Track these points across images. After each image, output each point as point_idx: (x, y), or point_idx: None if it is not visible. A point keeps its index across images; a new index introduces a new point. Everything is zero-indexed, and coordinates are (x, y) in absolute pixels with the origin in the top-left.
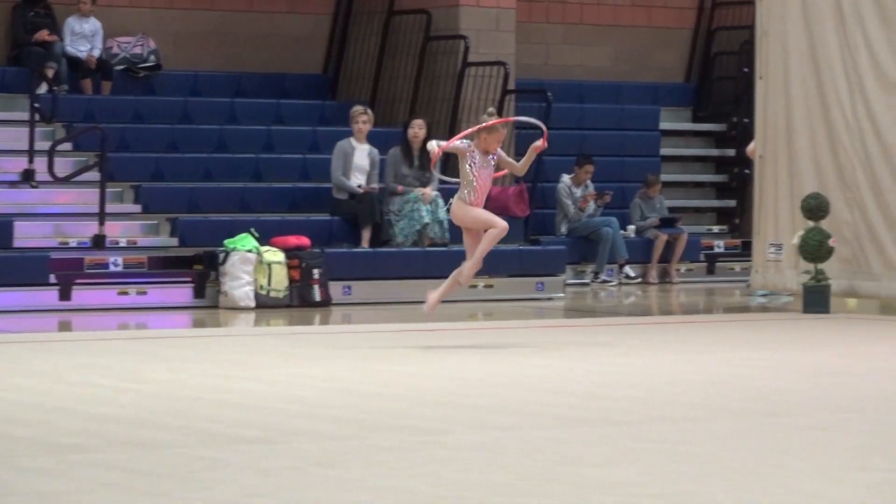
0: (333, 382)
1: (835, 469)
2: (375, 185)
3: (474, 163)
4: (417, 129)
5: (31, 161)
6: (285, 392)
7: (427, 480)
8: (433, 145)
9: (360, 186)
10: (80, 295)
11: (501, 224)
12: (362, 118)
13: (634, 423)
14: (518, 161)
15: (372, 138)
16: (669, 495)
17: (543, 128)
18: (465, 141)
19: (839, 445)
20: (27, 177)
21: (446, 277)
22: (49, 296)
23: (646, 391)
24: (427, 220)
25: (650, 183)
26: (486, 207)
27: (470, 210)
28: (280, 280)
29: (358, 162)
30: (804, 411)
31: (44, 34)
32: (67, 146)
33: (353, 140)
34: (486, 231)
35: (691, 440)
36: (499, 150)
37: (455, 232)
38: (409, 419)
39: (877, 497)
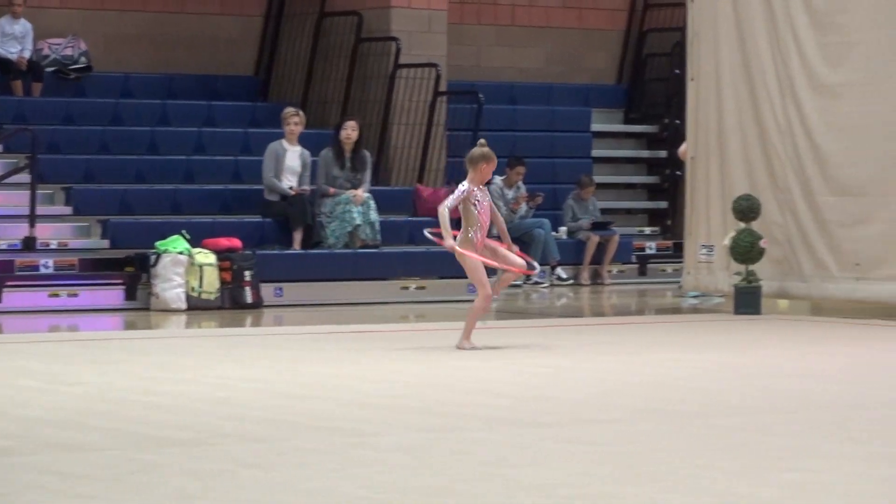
0: (264, 384)
1: (762, 470)
2: (307, 187)
3: (477, 202)
4: (350, 130)
5: None
6: (216, 394)
7: (356, 482)
8: (450, 243)
9: (291, 188)
10: (11, 297)
11: (483, 294)
12: (294, 120)
13: (564, 425)
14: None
15: (304, 140)
16: (598, 496)
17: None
18: (461, 188)
19: (767, 446)
20: None
21: (377, 279)
22: None
23: (576, 392)
24: (358, 221)
25: (584, 184)
26: (419, 211)
27: (467, 261)
28: (211, 282)
29: (289, 164)
30: (733, 412)
31: None
32: None
33: (284, 142)
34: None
35: (621, 441)
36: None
37: (385, 233)
38: (340, 421)
39: (803, 498)
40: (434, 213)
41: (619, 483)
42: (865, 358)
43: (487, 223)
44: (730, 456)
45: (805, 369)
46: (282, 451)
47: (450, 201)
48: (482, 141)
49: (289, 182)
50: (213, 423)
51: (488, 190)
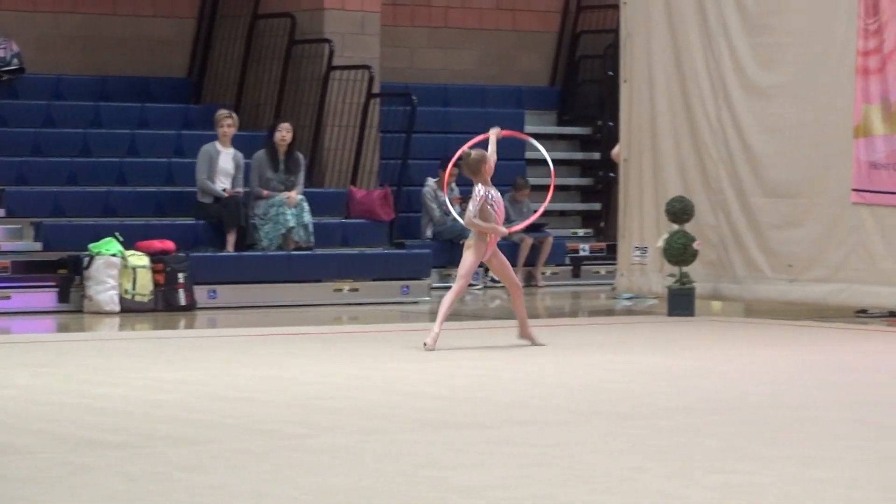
0: (198, 386)
1: (695, 471)
2: (240, 189)
3: (494, 202)
4: (285, 132)
5: None
6: (150, 396)
7: (288, 484)
8: (504, 230)
9: (224, 190)
10: None
11: (456, 287)
12: (227, 122)
13: (497, 426)
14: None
15: (237, 142)
16: (531, 498)
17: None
18: (479, 193)
19: (700, 448)
20: None
21: (311, 281)
22: None
23: (509, 394)
24: (292, 223)
25: (519, 186)
26: (353, 213)
27: (472, 255)
28: (145, 284)
29: (223, 166)
30: (665, 414)
31: None
32: None
33: (217, 144)
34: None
35: (554, 443)
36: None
37: (319, 235)
38: (272, 423)
39: (736, 499)
40: (366, 215)
41: (552, 485)
42: (797, 359)
43: (503, 220)
44: (663, 457)
45: (738, 371)
46: (215, 453)
47: (474, 210)
48: (466, 150)
49: (222, 184)
50: (147, 426)
51: (423, 192)
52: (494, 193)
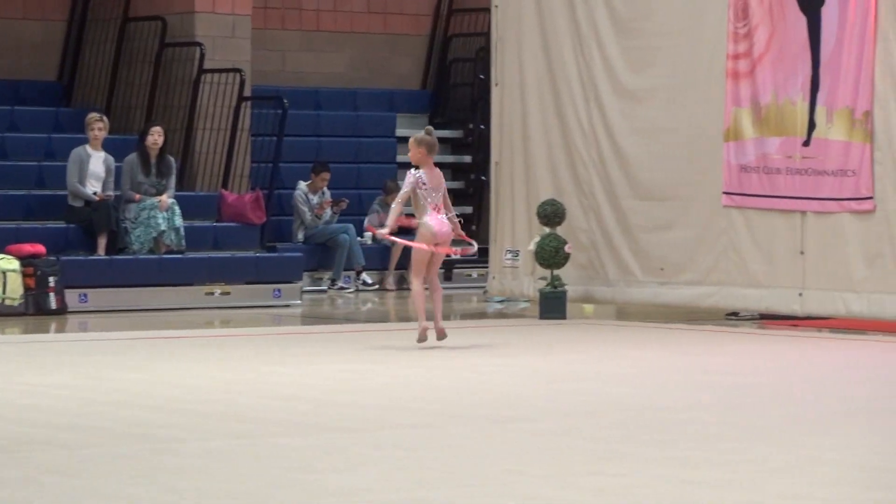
0: (69, 391)
1: (568, 473)
2: (111, 193)
3: (424, 184)
4: (157, 136)
5: None
6: (20, 401)
7: (160, 489)
8: (383, 233)
9: (95, 194)
10: None
11: (414, 288)
12: (98, 125)
13: (371, 430)
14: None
15: (108, 145)
16: (405, 501)
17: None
18: (412, 173)
19: (572, 450)
20: None
21: (183, 285)
22: None
23: (382, 397)
24: (163, 227)
25: (390, 190)
26: (224, 216)
27: (418, 251)
28: (15, 288)
29: (93, 169)
30: (539, 416)
31: None
32: None
33: (88, 147)
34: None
35: (427, 446)
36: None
37: (190, 238)
38: (145, 427)
39: (608, 501)
40: (238, 219)
41: (427, 487)
42: (669, 361)
43: (439, 208)
44: (536, 459)
45: (609, 373)
46: (86, 457)
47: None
48: (429, 128)
49: (93, 187)
50: (18, 431)
51: (297, 196)
52: (428, 179)
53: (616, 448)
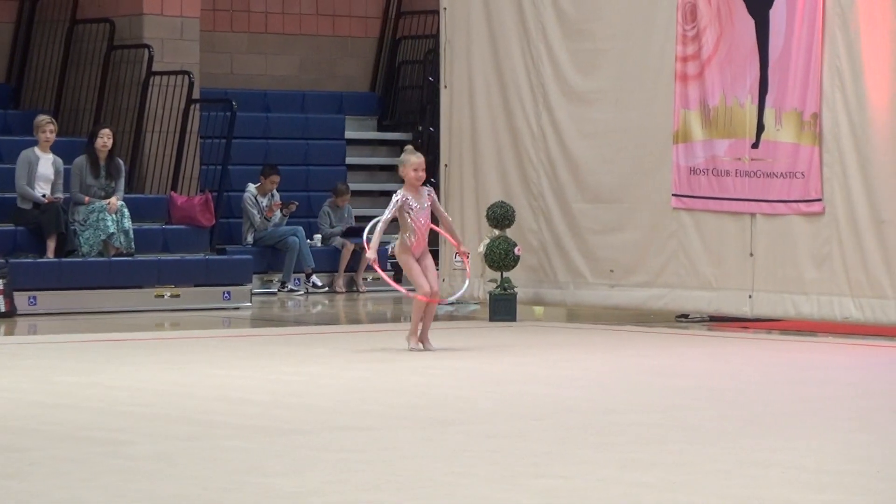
0: (17, 394)
1: (518, 476)
2: (60, 195)
3: (410, 209)
4: (105, 138)
5: None
6: None
7: (109, 491)
8: (371, 256)
9: (44, 196)
10: None
11: (422, 291)
12: (49, 128)
13: (317, 432)
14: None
15: (56, 148)
16: (352, 503)
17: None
18: (396, 196)
19: (522, 452)
20: None
21: (132, 287)
22: None
23: (329, 400)
24: (112, 229)
25: (340, 192)
26: (174, 219)
27: (408, 260)
28: None
29: (42, 172)
30: (485, 419)
31: None
32: None
33: (37, 149)
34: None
35: (375, 448)
36: (432, 194)
37: (140, 241)
38: (93, 430)
39: (556, 503)
40: (187, 221)
41: (375, 490)
42: (618, 364)
43: (424, 231)
44: (486, 462)
45: (559, 375)
46: (34, 460)
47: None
48: (409, 147)
49: (42, 190)
50: None
51: (247, 198)
52: (416, 203)
53: (563, 450)
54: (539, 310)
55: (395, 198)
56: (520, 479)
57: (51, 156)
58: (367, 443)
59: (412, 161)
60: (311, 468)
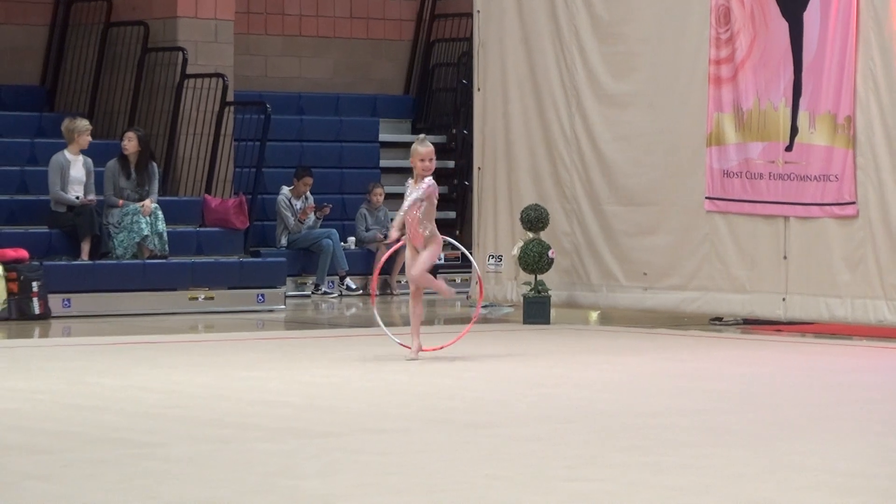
0: (51, 396)
1: (550, 479)
2: (93, 197)
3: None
4: (126, 141)
5: None
6: (2, 406)
7: (141, 494)
8: (394, 234)
9: (78, 198)
10: None
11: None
12: (87, 132)
13: (351, 435)
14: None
15: (92, 150)
16: None
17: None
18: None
19: (555, 455)
20: None
21: (166, 290)
22: None
23: (363, 403)
24: (146, 232)
25: (372, 189)
26: (208, 221)
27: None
28: None
29: (75, 175)
30: (518, 422)
31: None
32: None
33: (67, 153)
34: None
35: (408, 451)
36: (430, 187)
37: (174, 243)
38: (126, 432)
39: None
40: (221, 224)
41: (407, 493)
42: (651, 367)
43: (414, 218)
44: (518, 465)
45: (592, 378)
46: (68, 462)
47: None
48: (421, 136)
49: (75, 192)
50: None
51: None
52: (412, 188)
53: (595, 453)
54: (594, 315)
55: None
56: (552, 482)
57: (80, 157)
58: (400, 445)
59: (419, 151)
60: (344, 471)
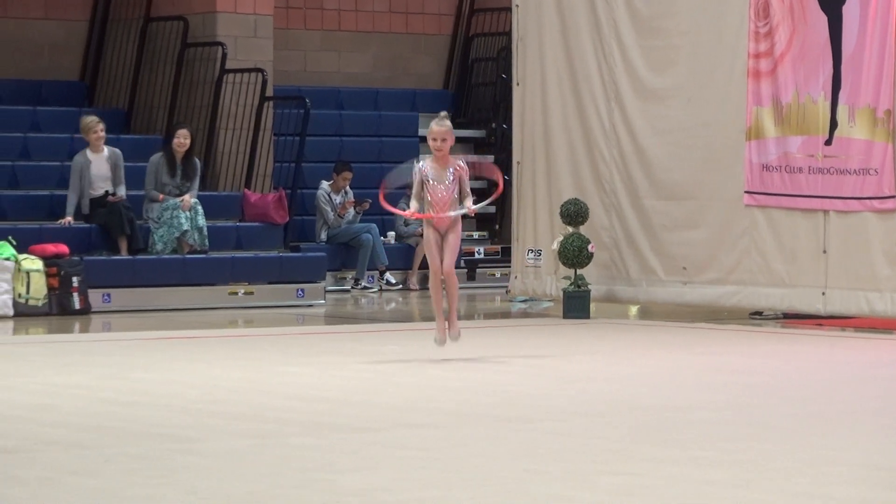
0: (91, 391)
1: (588, 473)
2: (122, 194)
3: (428, 179)
4: (182, 139)
5: None
6: (42, 401)
7: (181, 489)
8: (408, 213)
9: (107, 193)
10: None
11: (432, 267)
12: (99, 127)
13: (389, 430)
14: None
15: (130, 146)
16: (422, 501)
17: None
18: (417, 165)
19: (592, 450)
20: None
21: (206, 285)
22: None
23: (401, 398)
24: (186, 227)
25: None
26: (247, 216)
27: (427, 234)
28: (39, 288)
29: (97, 172)
30: (557, 416)
31: None
32: None
33: (88, 152)
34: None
35: (444, 446)
36: (460, 170)
37: (213, 238)
38: (166, 427)
39: (627, 501)
40: (261, 218)
41: (445, 488)
42: (690, 361)
43: (442, 203)
44: (555, 459)
45: (630, 373)
46: (108, 457)
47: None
48: (443, 113)
49: (102, 188)
50: (39, 430)
51: (320, 195)
52: (434, 175)
53: (633, 448)
54: (633, 309)
55: (416, 166)
56: (590, 476)
57: (104, 153)
58: (438, 440)
59: (433, 129)
60: (382, 466)
